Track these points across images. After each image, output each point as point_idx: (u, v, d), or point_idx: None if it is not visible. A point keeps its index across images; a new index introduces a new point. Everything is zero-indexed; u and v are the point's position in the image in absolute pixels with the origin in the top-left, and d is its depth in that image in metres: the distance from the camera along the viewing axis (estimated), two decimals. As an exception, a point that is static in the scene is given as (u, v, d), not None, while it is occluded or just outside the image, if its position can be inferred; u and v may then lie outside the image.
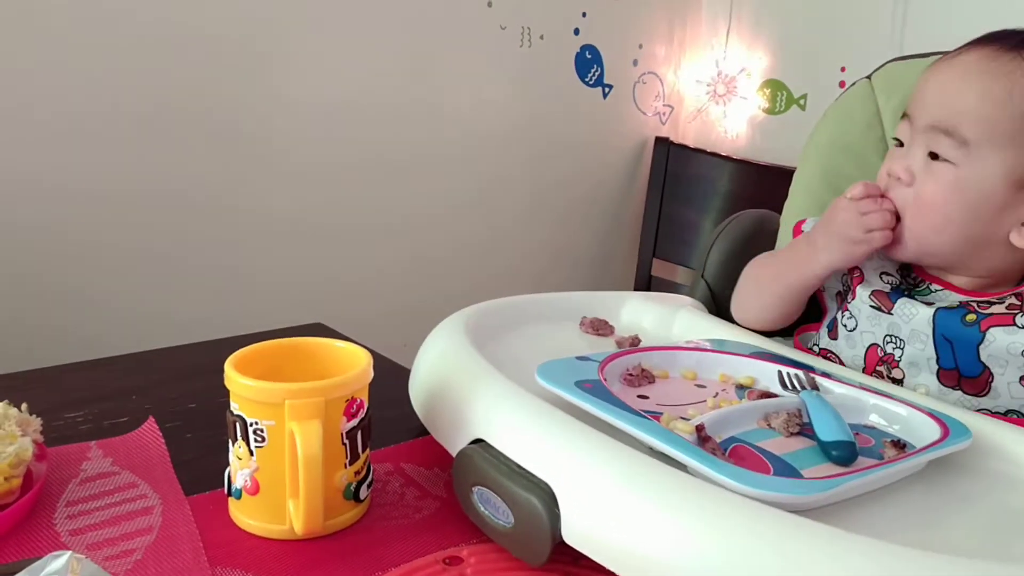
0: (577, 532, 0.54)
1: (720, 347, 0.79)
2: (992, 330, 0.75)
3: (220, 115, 1.72)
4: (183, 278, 1.73)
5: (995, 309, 0.77)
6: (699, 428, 0.60)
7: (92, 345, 1.26)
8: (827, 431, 0.61)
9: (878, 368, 0.82)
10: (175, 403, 0.85)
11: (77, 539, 0.61)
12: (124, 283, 1.66)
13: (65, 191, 1.58)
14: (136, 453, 0.74)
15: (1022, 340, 0.74)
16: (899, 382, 0.80)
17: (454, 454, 0.64)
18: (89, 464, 0.72)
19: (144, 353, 0.99)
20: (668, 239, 2.40)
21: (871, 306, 0.83)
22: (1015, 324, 0.75)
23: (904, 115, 0.83)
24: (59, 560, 0.48)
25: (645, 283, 2.43)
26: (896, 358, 0.81)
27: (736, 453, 0.60)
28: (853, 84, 1.10)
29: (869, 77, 1.07)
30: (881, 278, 0.85)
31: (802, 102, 2.24)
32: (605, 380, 0.66)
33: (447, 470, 0.71)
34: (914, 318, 0.79)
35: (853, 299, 0.85)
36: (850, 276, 0.87)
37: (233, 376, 0.62)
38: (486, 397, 0.65)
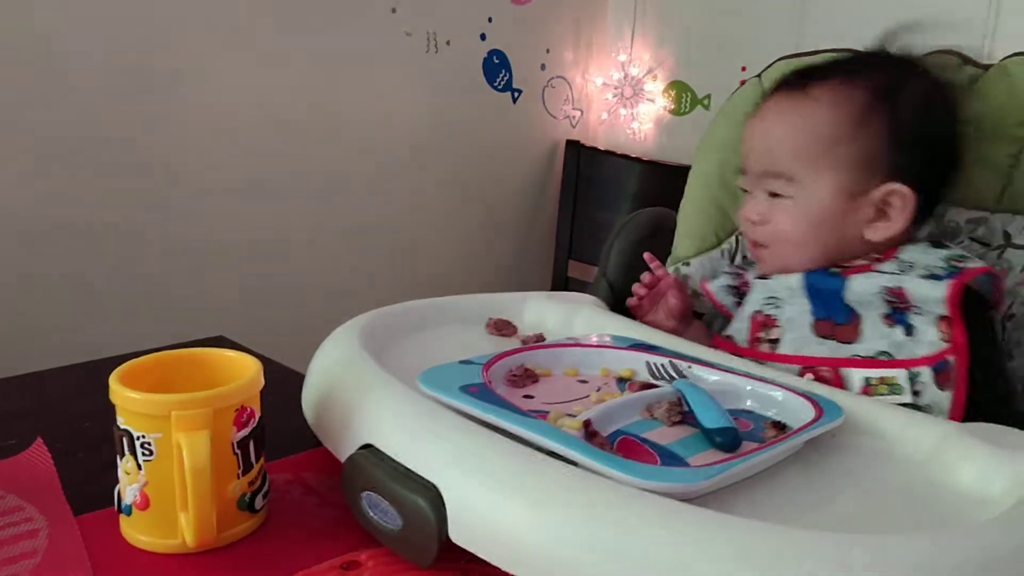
0: (464, 531, 0.55)
1: (612, 343, 0.80)
2: (853, 276, 0.86)
3: (117, 135, 1.69)
4: (83, 299, 1.69)
5: (856, 263, 0.87)
6: (586, 423, 0.61)
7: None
8: (709, 418, 0.63)
9: (758, 335, 0.88)
10: (66, 423, 0.83)
11: (-42, 565, 0.60)
12: (21, 304, 1.62)
13: None
14: (23, 475, 0.72)
15: (878, 282, 0.83)
16: (776, 342, 0.86)
17: (343, 461, 0.63)
18: (-26, 489, 0.70)
19: (33, 374, 0.97)
20: (582, 240, 2.43)
21: (753, 279, 0.94)
22: (873, 270, 0.85)
23: (743, 169, 0.95)
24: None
25: (562, 284, 2.45)
26: (775, 319, 0.88)
27: (624, 446, 0.61)
28: (744, 83, 1.13)
29: (759, 76, 1.11)
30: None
31: (706, 102, 2.30)
32: (490, 383, 0.67)
33: (345, 477, 0.71)
34: (788, 279, 0.89)
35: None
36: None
37: (118, 389, 0.61)
38: (374, 402, 0.65)
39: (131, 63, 1.68)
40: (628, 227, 1.18)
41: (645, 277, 1.01)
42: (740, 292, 0.97)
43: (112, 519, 0.65)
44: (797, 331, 0.86)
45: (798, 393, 0.68)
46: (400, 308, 0.89)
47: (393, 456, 0.60)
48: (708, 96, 2.29)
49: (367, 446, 0.62)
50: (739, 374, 0.72)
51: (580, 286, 2.45)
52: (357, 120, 2.05)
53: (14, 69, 1.56)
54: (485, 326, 0.91)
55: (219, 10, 1.77)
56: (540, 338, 0.87)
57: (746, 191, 0.95)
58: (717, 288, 0.99)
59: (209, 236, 1.85)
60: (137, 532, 0.63)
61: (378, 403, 0.64)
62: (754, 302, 0.92)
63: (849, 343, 0.82)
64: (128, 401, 0.60)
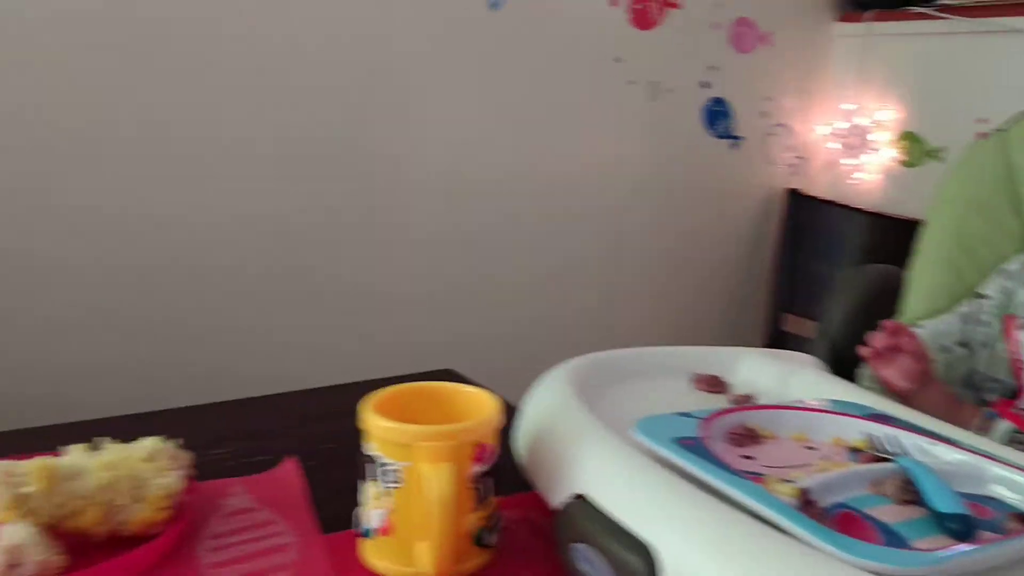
0: (679, 593, 0.55)
1: (835, 408, 0.77)
2: None
3: (357, 167, 1.82)
4: (323, 329, 1.83)
5: None
6: (803, 492, 0.60)
7: (235, 384, 1.34)
8: (941, 502, 0.60)
9: None
10: (313, 443, 0.90)
11: (218, 572, 0.66)
12: (267, 324, 1.77)
13: (209, 231, 1.70)
14: (276, 491, 0.79)
15: None
16: None
17: (554, 507, 0.65)
18: (232, 500, 0.78)
19: (284, 395, 1.06)
20: (799, 292, 2.37)
21: None
22: None
23: None
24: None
25: (775, 337, 2.39)
26: None
27: (844, 520, 0.59)
28: (985, 137, 1.08)
29: (1003, 130, 1.05)
30: None
31: (939, 154, 2.19)
32: (707, 438, 0.66)
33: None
34: None
35: None
36: None
37: (369, 416, 0.65)
38: (588, 451, 0.66)
39: (355, 100, 1.81)
40: (853, 284, 1.15)
41: (886, 325, 0.96)
42: None
43: (353, 540, 0.70)
44: None
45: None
46: (609, 355, 0.88)
47: (606, 509, 0.60)
48: (941, 148, 2.18)
49: (579, 496, 0.63)
50: (987, 456, 0.67)
51: (795, 340, 2.39)
52: (577, 165, 2.10)
53: (265, 98, 1.72)
54: (692, 380, 0.88)
55: (450, 58, 1.88)
56: (749, 399, 0.84)
57: None
58: None
59: (436, 275, 1.95)
60: (377, 557, 0.67)
61: (591, 453, 0.66)
62: None
63: None
64: (378, 429, 0.65)
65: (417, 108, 1.88)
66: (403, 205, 1.90)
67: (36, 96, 1.54)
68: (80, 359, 1.64)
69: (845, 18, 2.38)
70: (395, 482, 0.65)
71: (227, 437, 0.91)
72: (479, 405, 0.70)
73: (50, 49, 1.54)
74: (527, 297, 2.10)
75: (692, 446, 0.64)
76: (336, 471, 0.84)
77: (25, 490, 0.64)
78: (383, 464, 0.65)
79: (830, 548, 0.52)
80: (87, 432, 0.75)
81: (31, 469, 0.65)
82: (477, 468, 0.66)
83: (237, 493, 0.79)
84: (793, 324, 2.38)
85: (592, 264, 2.18)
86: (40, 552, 0.62)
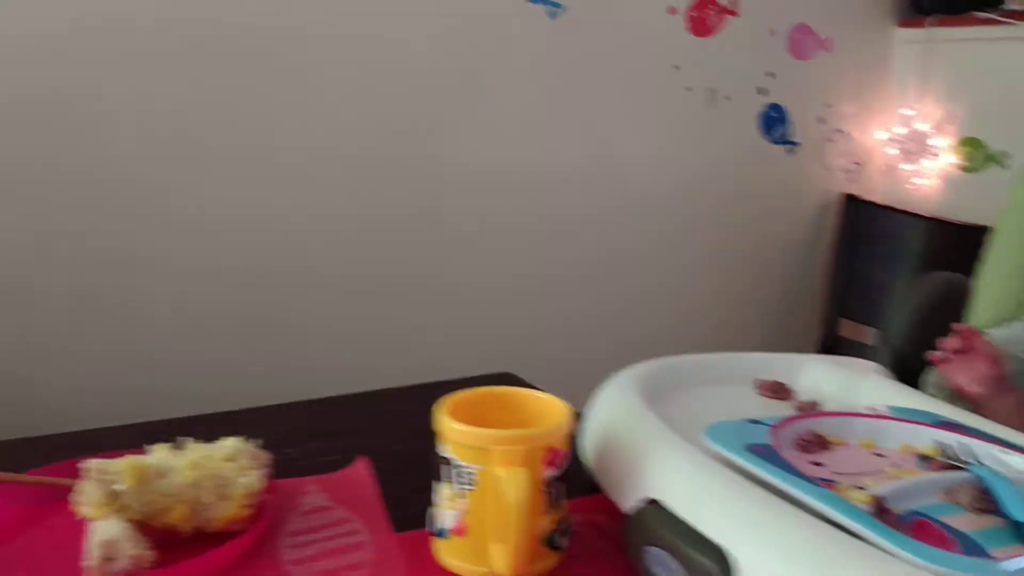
0: (754, 596, 0.55)
1: (902, 415, 0.77)
2: None
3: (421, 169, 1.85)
4: (407, 324, 1.87)
5: None
6: (878, 499, 0.60)
7: (314, 383, 1.38)
8: (1020, 510, 0.60)
9: None
10: (383, 444, 0.92)
11: (300, 569, 0.69)
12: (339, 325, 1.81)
13: (300, 231, 1.75)
14: (349, 490, 0.82)
15: None
16: None
17: (625, 511, 0.66)
18: (307, 498, 0.80)
19: (352, 396, 1.09)
20: (856, 298, 2.34)
21: None
22: None
23: None
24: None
25: (831, 343, 2.38)
26: None
27: (919, 528, 0.60)
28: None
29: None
30: None
31: (1002, 160, 2.15)
32: (777, 444, 0.67)
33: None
34: None
35: None
36: None
37: (445, 420, 0.67)
38: (659, 456, 0.67)
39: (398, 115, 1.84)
40: (916, 291, 1.14)
41: (959, 328, 0.95)
42: None
43: (426, 540, 0.72)
44: None
45: None
46: (674, 361, 0.89)
47: (680, 514, 0.61)
48: (1004, 153, 2.15)
49: (652, 501, 0.65)
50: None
51: (851, 345, 2.37)
52: (635, 170, 2.11)
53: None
54: (756, 387, 0.89)
55: (516, 65, 1.90)
56: (814, 406, 0.84)
57: None
58: None
59: (484, 279, 1.98)
60: (451, 556, 0.69)
61: (663, 459, 0.67)
62: None
63: None
64: (454, 432, 0.67)
65: (486, 113, 1.90)
66: (473, 205, 1.93)
67: (178, 104, 1.61)
68: (176, 357, 1.70)
69: (906, 23, 2.36)
70: (469, 484, 0.67)
71: (296, 437, 0.94)
72: (549, 410, 0.72)
73: (178, 59, 1.60)
74: (584, 294, 2.12)
75: (763, 453, 0.65)
76: (405, 472, 0.86)
77: (117, 487, 0.67)
78: (458, 466, 0.67)
79: (908, 555, 0.52)
80: (164, 432, 0.79)
81: (123, 468, 0.68)
82: (550, 472, 0.68)
83: (312, 492, 0.81)
84: (849, 330, 2.36)
85: (648, 266, 2.19)
86: (133, 547, 0.64)
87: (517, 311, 2.03)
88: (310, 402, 1.05)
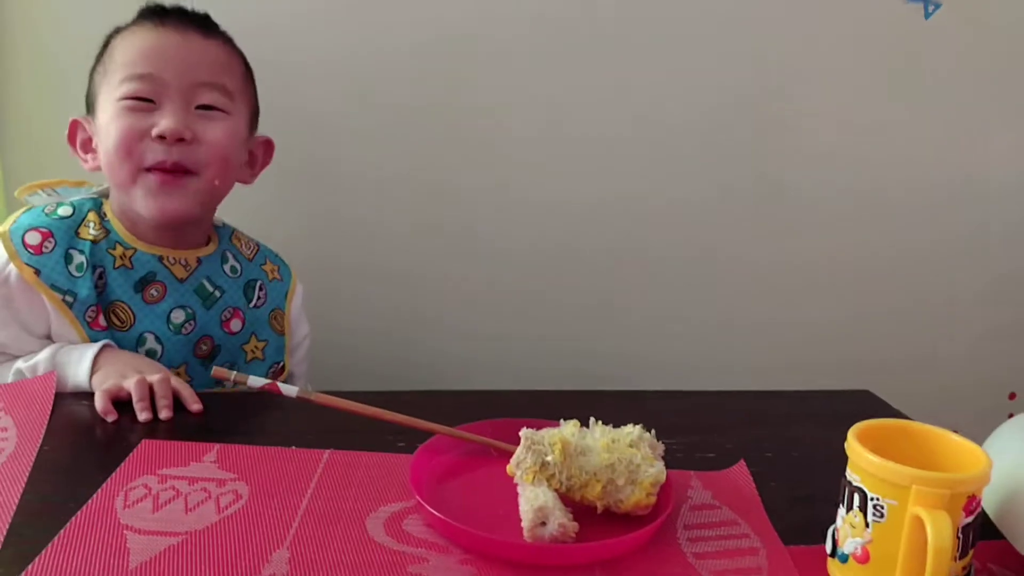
0: None
1: None
2: None
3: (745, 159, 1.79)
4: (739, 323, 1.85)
5: None
6: None
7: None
8: None
9: None
10: (753, 447, 0.94)
11: (702, 563, 0.72)
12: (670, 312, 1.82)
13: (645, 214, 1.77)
14: (731, 491, 0.84)
15: None
16: None
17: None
18: (693, 493, 0.84)
19: (726, 393, 1.13)
20: None
21: None
22: None
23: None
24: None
25: None
26: None
27: None
28: None
29: None
30: None
31: None
32: None
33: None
34: None
35: None
36: None
37: (859, 449, 0.68)
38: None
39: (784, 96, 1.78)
40: None
41: None
42: None
43: (820, 558, 0.73)
44: None
45: None
46: None
47: None
48: None
49: None
50: None
51: None
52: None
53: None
54: None
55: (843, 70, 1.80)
56: None
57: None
58: None
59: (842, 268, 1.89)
60: (849, 580, 0.70)
61: None
62: None
63: None
64: (869, 463, 0.68)
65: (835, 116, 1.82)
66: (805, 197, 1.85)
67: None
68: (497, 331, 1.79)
69: None
70: (880, 516, 0.68)
71: (673, 428, 0.97)
72: (964, 453, 0.71)
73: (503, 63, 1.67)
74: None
75: None
76: (777, 478, 0.88)
77: (549, 458, 0.74)
78: (869, 497, 0.68)
79: None
80: (570, 405, 0.85)
81: (553, 440, 0.75)
82: (966, 519, 0.67)
83: (696, 487, 0.85)
84: None
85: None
86: (561, 516, 0.71)
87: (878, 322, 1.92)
88: (683, 393, 1.09)
